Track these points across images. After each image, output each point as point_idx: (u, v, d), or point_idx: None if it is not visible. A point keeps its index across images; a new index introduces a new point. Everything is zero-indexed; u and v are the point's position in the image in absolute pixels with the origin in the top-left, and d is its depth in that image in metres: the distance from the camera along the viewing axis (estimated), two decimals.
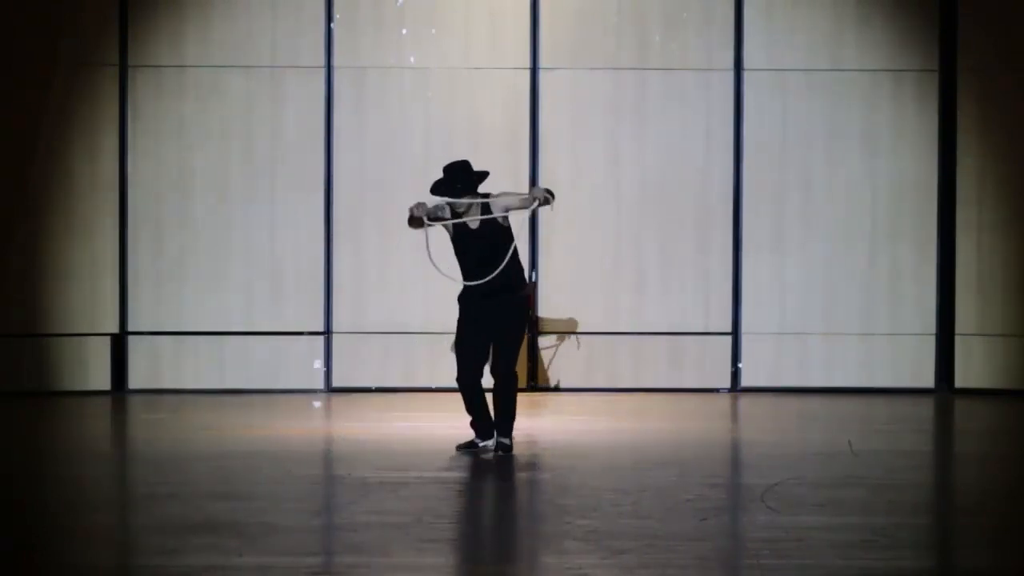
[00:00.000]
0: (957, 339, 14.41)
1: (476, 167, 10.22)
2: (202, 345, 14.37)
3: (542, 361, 14.45)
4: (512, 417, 10.17)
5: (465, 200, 10.07)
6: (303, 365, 14.42)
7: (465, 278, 10.08)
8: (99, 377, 14.25)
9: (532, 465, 9.83)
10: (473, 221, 10.06)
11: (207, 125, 14.35)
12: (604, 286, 14.48)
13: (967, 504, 8.94)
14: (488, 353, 10.14)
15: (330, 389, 14.43)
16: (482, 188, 10.23)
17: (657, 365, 14.48)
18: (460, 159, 10.45)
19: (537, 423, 12.11)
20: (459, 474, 9.59)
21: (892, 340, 14.44)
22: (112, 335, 14.29)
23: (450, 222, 10.12)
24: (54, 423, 12.64)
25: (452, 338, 10.38)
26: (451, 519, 8.13)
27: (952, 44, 14.40)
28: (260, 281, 14.39)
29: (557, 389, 14.38)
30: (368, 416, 12.75)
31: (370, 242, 14.44)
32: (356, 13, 14.43)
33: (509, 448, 10.09)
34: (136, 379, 14.36)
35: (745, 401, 13.97)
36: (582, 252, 14.46)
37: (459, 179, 10.15)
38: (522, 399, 10.83)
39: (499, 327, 10.04)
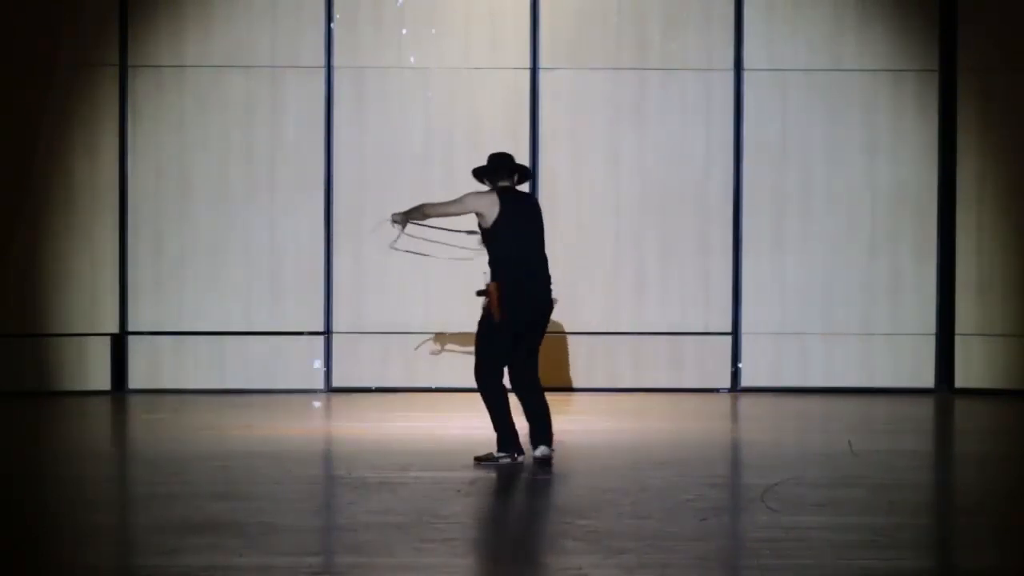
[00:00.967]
0: (957, 339, 14.41)
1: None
2: (202, 345, 14.37)
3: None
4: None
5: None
6: (303, 365, 14.42)
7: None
8: (99, 377, 14.25)
9: (532, 465, 9.83)
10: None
11: (207, 125, 14.35)
12: (604, 286, 14.48)
13: (967, 504, 8.94)
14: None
15: (330, 389, 14.43)
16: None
17: (657, 365, 14.47)
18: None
19: None
20: (459, 474, 9.59)
21: (892, 340, 14.44)
22: (112, 335, 14.29)
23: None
24: (54, 423, 12.64)
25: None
26: (451, 519, 8.13)
27: (952, 44, 14.39)
28: (260, 281, 14.39)
29: (557, 389, 14.37)
30: (368, 416, 12.75)
31: (370, 242, 14.42)
32: (356, 13, 14.43)
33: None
34: (136, 379, 14.35)
35: (745, 401, 13.97)
36: (582, 252, 14.46)
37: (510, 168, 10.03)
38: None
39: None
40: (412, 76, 14.44)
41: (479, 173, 10.00)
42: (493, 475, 9.43)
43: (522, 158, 14.35)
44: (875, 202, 14.44)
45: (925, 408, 13.64)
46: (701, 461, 10.34)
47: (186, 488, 9.11)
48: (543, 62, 14.46)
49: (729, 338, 14.52)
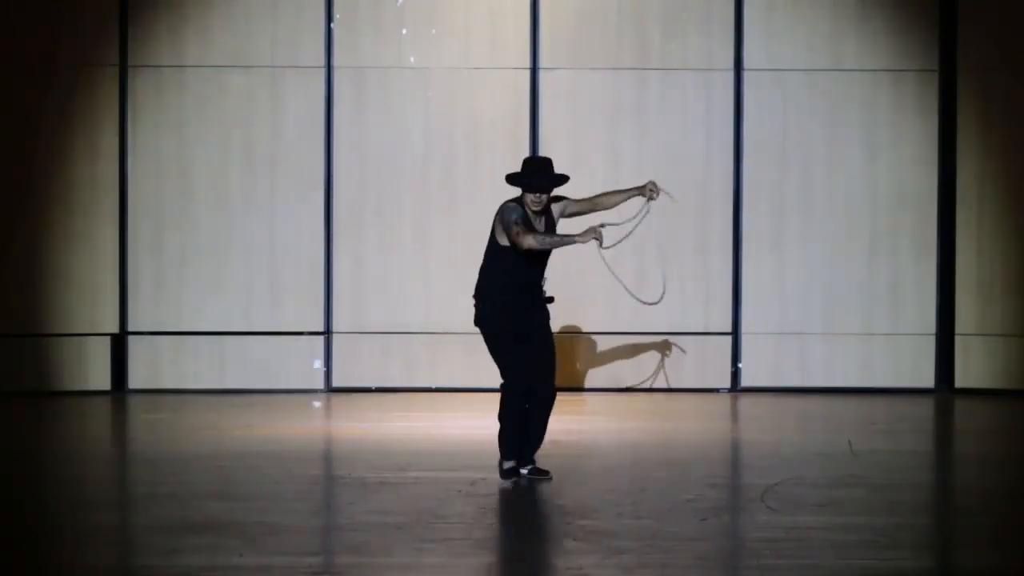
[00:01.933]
0: (957, 339, 14.41)
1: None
2: (202, 345, 14.37)
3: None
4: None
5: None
6: (303, 365, 14.42)
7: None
8: (99, 377, 14.25)
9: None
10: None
11: (207, 125, 14.35)
12: (604, 286, 14.47)
13: (967, 504, 8.94)
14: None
15: (330, 389, 14.43)
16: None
17: (657, 365, 14.47)
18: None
19: None
20: (459, 474, 9.59)
21: (892, 340, 14.43)
22: (112, 335, 14.29)
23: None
24: (54, 423, 12.64)
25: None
26: (451, 519, 8.13)
27: (952, 44, 14.39)
28: (260, 281, 14.39)
29: (557, 389, 14.35)
30: (368, 416, 12.75)
31: (370, 242, 14.44)
32: (356, 13, 14.43)
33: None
34: (136, 379, 14.35)
35: (745, 401, 13.97)
36: (582, 252, 14.43)
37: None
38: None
39: None
40: (412, 76, 14.45)
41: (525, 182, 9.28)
42: (493, 476, 9.42)
43: (522, 158, 14.33)
44: (875, 202, 14.44)
45: (925, 408, 13.64)
46: (701, 461, 10.34)
47: (186, 488, 9.11)
48: (543, 62, 14.46)
49: (729, 338, 14.52)
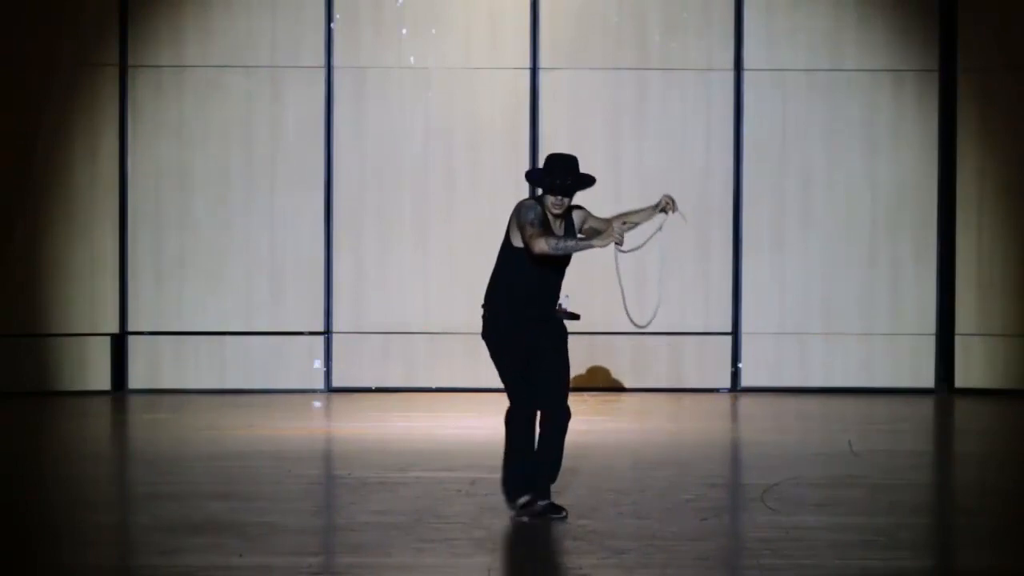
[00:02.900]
0: (957, 339, 14.40)
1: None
2: (202, 345, 14.37)
3: None
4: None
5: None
6: (303, 365, 14.42)
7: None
8: (99, 377, 14.24)
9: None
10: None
11: (207, 125, 14.34)
12: (604, 286, 14.45)
13: (967, 504, 8.95)
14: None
15: (330, 389, 14.43)
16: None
17: (657, 365, 14.47)
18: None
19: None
20: (459, 474, 9.59)
21: (892, 340, 14.43)
22: (112, 335, 14.29)
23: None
24: (54, 423, 12.64)
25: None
26: (451, 519, 8.14)
27: (952, 44, 14.39)
28: (260, 281, 14.39)
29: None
30: (368, 416, 12.75)
31: (370, 242, 14.44)
32: (356, 13, 14.42)
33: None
34: (136, 379, 14.35)
35: (745, 401, 13.97)
36: (581, 252, 14.42)
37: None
38: None
39: None
40: (412, 76, 14.44)
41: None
42: (493, 476, 9.43)
43: (522, 158, 14.36)
44: (875, 202, 14.44)
45: (925, 408, 13.64)
46: (701, 461, 10.35)
47: (186, 488, 9.11)
48: (543, 62, 14.46)
49: (729, 338, 14.52)
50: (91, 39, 14.17)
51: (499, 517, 8.29)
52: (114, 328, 14.31)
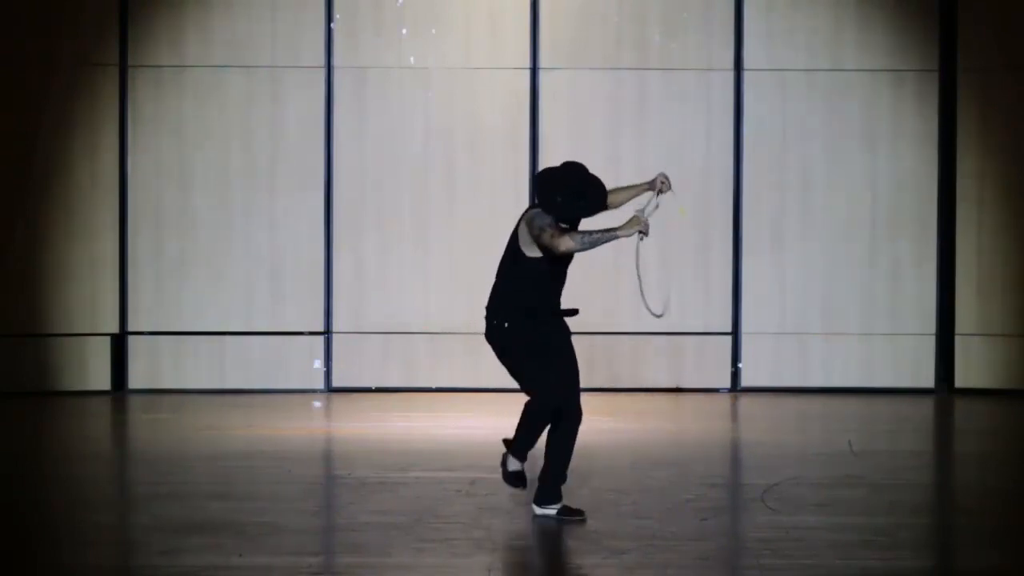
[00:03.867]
0: (957, 339, 14.40)
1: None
2: (202, 345, 14.37)
3: None
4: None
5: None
6: (303, 365, 14.42)
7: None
8: (99, 377, 14.24)
9: (532, 465, 9.83)
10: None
11: (207, 125, 14.35)
12: (604, 286, 14.47)
13: (967, 504, 8.95)
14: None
15: (330, 389, 14.43)
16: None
17: (657, 365, 14.47)
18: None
19: None
20: (459, 474, 9.59)
21: (892, 340, 14.43)
22: (112, 335, 14.29)
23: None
24: (54, 423, 12.64)
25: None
26: (451, 519, 8.14)
27: (952, 44, 14.39)
28: (260, 281, 14.39)
29: None
30: (368, 416, 12.75)
31: (370, 242, 14.44)
32: (356, 13, 14.43)
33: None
34: (136, 379, 14.35)
35: (745, 401, 13.97)
36: (581, 252, 14.42)
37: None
38: (523, 398, 10.81)
39: None
40: (412, 76, 14.45)
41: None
42: (493, 476, 9.42)
43: (522, 158, 14.36)
44: (875, 202, 14.44)
45: (925, 408, 13.64)
46: (701, 461, 10.35)
47: (186, 488, 9.11)
48: (543, 62, 14.46)
49: (729, 338, 14.52)
50: (91, 39, 14.17)
51: (499, 517, 8.29)
52: (114, 328, 14.31)
